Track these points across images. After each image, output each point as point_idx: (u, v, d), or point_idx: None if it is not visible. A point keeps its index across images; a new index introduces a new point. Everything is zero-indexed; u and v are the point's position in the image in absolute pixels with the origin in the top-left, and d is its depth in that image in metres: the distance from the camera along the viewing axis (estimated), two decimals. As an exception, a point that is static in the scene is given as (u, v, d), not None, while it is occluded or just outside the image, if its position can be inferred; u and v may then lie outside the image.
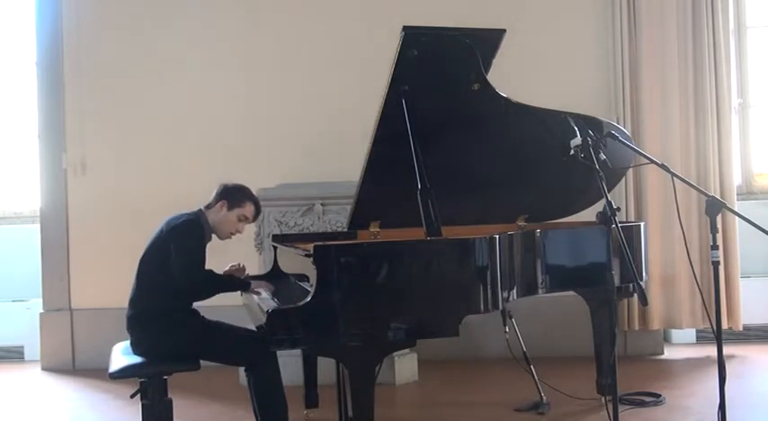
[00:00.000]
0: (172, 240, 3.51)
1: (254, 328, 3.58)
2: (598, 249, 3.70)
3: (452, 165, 3.71)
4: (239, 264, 3.82)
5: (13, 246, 6.35)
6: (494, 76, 3.54)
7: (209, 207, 3.67)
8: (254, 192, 5.02)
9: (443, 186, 3.31)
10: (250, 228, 5.07)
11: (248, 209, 3.68)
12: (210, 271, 3.57)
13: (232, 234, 3.70)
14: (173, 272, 3.44)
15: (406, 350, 4.67)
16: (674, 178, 3.26)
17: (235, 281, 3.70)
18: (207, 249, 3.61)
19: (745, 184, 6.03)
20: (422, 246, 3.14)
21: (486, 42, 3.45)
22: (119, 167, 5.90)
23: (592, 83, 5.70)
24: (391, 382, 4.87)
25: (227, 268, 3.79)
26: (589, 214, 3.94)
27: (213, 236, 3.69)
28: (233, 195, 3.67)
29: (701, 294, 4.26)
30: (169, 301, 3.46)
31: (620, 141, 3.47)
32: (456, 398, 4.63)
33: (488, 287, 3.15)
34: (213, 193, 3.71)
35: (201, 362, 3.41)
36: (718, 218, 3.18)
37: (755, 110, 6.10)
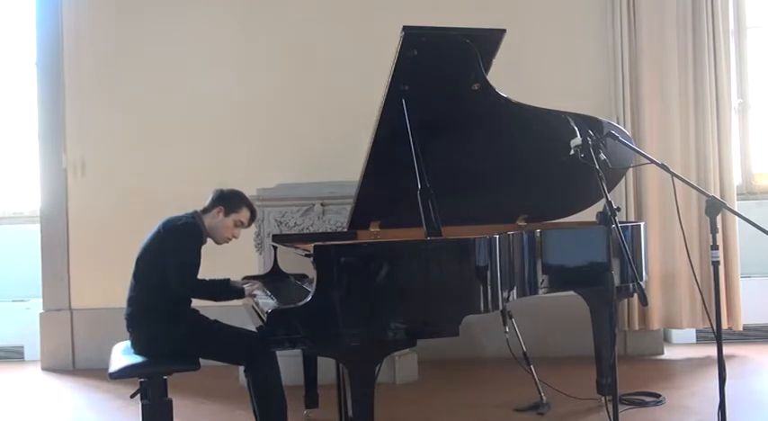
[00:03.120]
0: (170, 241, 3.51)
1: (253, 329, 3.58)
2: (598, 249, 3.70)
3: (452, 165, 3.70)
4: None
5: (13, 246, 6.35)
6: (494, 76, 3.54)
7: (205, 211, 3.68)
8: (254, 193, 5.07)
9: (443, 186, 3.31)
10: (250, 229, 5.07)
11: (244, 214, 3.70)
12: (203, 280, 3.55)
13: (228, 239, 3.71)
14: (167, 274, 3.44)
15: (406, 350, 4.67)
16: (674, 178, 3.27)
17: (229, 288, 3.67)
18: (202, 252, 3.60)
19: (745, 184, 6.04)
20: (422, 246, 3.14)
21: (486, 42, 3.45)
22: (119, 167, 5.90)
23: (592, 83, 5.70)
24: (391, 382, 4.88)
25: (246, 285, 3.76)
26: (589, 214, 3.94)
27: (209, 239, 3.70)
28: (229, 201, 3.68)
29: (701, 294, 4.26)
30: (168, 299, 3.47)
31: (620, 141, 3.47)
32: (456, 398, 4.63)
33: (488, 287, 3.15)
34: (209, 198, 3.71)
35: (201, 361, 3.41)
36: (719, 218, 3.18)
37: (755, 110, 6.10)
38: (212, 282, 3.60)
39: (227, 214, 3.66)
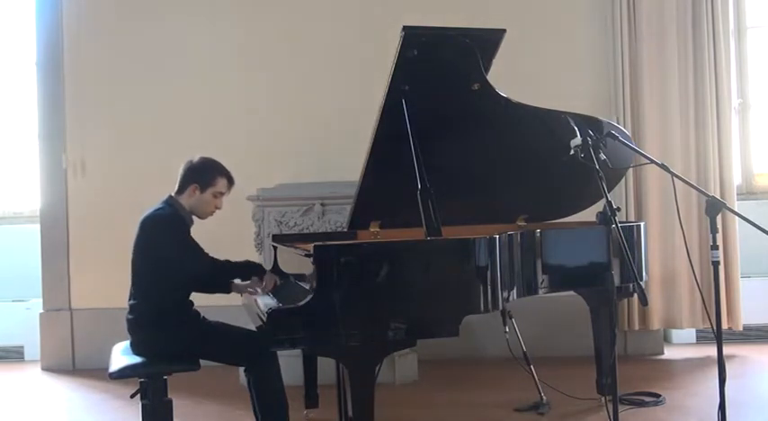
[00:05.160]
0: (154, 239, 3.43)
1: (254, 328, 3.58)
2: (598, 249, 3.71)
3: (452, 165, 3.71)
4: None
5: (13, 246, 6.35)
6: (494, 76, 3.55)
7: (180, 191, 3.56)
8: (254, 192, 5.06)
9: (443, 186, 3.31)
10: (250, 228, 5.09)
11: (221, 184, 3.55)
12: (214, 259, 3.52)
13: (212, 212, 3.60)
14: (174, 271, 3.39)
15: (406, 350, 4.67)
16: (674, 178, 3.27)
17: (245, 265, 3.62)
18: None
19: (745, 184, 6.04)
20: (422, 246, 3.14)
21: (486, 42, 3.45)
22: (119, 167, 5.90)
23: (592, 83, 5.70)
24: (391, 382, 4.88)
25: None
26: (589, 214, 3.94)
27: (195, 218, 3.61)
28: (201, 176, 3.54)
29: (701, 294, 4.26)
30: (166, 303, 3.42)
31: (620, 141, 3.47)
32: (456, 398, 4.63)
33: (488, 287, 3.15)
34: (179, 176, 3.58)
35: (201, 362, 3.40)
36: (719, 218, 3.18)
37: (755, 110, 6.10)
38: (227, 262, 3.56)
39: (203, 190, 3.53)
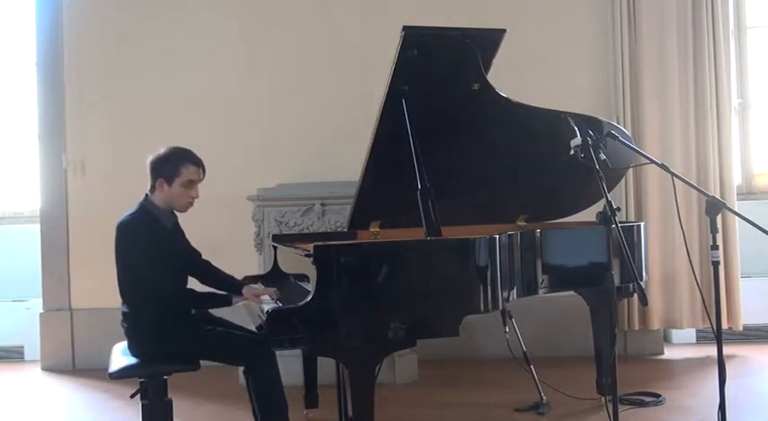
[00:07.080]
0: (124, 247, 3.39)
1: (253, 329, 3.57)
2: (598, 249, 3.71)
3: (452, 164, 3.71)
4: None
5: (13, 246, 6.35)
6: (494, 76, 3.55)
7: (152, 189, 3.47)
8: (254, 193, 5.05)
9: (443, 186, 3.31)
10: (250, 229, 5.09)
11: (188, 172, 3.41)
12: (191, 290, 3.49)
13: (190, 203, 3.48)
14: (139, 283, 3.34)
15: (406, 350, 4.67)
16: (674, 178, 3.27)
17: (213, 298, 3.54)
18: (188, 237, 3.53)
19: (745, 184, 6.03)
20: (422, 246, 3.14)
21: (486, 42, 3.45)
22: (119, 167, 5.88)
23: (592, 83, 5.70)
24: (391, 382, 4.88)
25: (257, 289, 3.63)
26: (589, 214, 3.94)
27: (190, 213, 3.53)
28: (164, 169, 3.41)
29: (701, 294, 4.26)
30: (155, 311, 3.35)
31: (620, 141, 3.47)
32: (456, 398, 4.63)
33: (488, 287, 3.15)
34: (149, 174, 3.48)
35: (201, 362, 3.39)
36: (719, 218, 3.18)
37: (755, 110, 6.10)
38: (199, 294, 3.53)
39: (170, 183, 3.40)
